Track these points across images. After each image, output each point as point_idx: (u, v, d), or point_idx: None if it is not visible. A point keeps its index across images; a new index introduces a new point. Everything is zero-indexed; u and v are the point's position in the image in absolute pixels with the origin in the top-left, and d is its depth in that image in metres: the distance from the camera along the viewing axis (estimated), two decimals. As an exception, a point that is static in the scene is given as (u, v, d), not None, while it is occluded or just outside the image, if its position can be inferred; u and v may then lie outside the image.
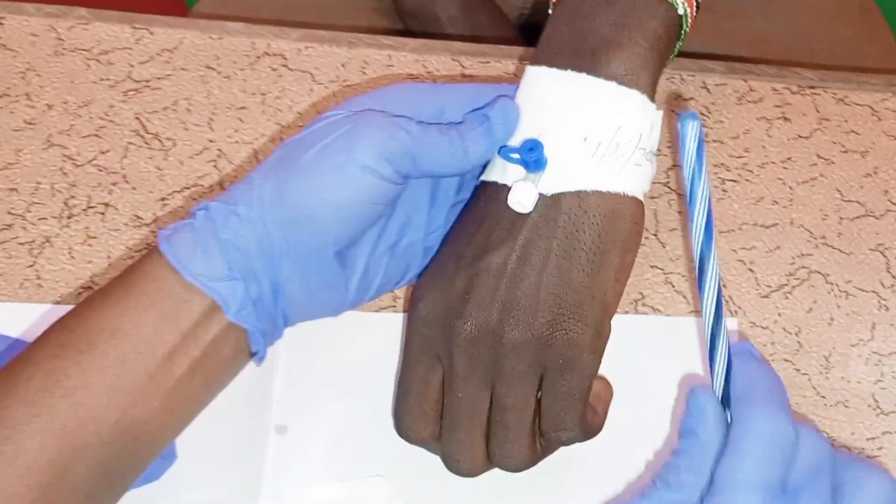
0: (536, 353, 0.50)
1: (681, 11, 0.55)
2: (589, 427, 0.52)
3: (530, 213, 0.52)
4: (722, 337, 0.45)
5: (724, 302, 0.45)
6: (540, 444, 0.52)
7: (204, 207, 0.51)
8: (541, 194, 0.52)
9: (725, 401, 0.45)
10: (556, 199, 0.52)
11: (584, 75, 0.53)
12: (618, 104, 0.53)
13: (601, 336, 0.52)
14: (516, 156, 0.52)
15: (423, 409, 0.52)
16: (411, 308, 0.53)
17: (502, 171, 0.53)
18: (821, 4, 0.86)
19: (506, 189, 0.53)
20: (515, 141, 0.53)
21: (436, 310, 0.52)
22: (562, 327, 0.50)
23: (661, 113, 0.55)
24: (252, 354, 0.52)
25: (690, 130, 0.43)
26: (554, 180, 0.52)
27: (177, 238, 0.50)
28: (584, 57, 0.54)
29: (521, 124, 0.54)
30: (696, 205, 0.44)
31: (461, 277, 0.52)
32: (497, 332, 0.51)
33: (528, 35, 0.97)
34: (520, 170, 0.53)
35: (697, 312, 0.59)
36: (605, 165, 0.52)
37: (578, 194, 0.52)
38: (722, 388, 0.45)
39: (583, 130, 0.52)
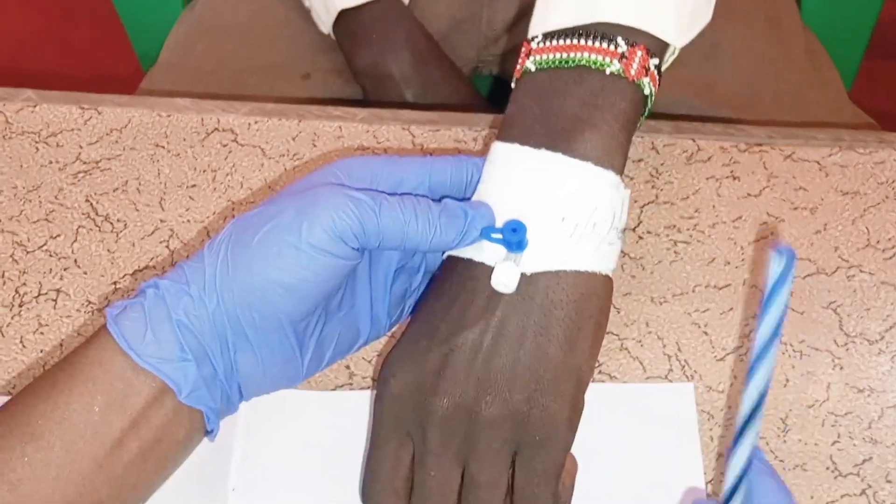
0: (513, 430, 0.50)
1: (647, 91, 0.56)
2: (559, 501, 0.52)
3: None
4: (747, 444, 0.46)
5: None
6: None
7: (153, 285, 0.50)
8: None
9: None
10: (534, 277, 0.52)
11: (559, 155, 0.54)
12: (595, 185, 0.54)
13: (576, 411, 0.52)
14: (498, 235, 0.53)
15: (393, 486, 0.52)
16: (381, 385, 0.53)
17: (478, 249, 0.53)
18: (768, 51, 0.87)
19: (482, 266, 0.53)
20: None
21: (408, 387, 0.52)
22: (539, 403, 0.50)
23: (628, 192, 0.56)
24: (208, 432, 0.52)
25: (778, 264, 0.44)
26: (533, 260, 0.52)
27: (125, 318, 0.50)
28: (559, 137, 0.54)
29: (495, 202, 0.54)
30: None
31: (435, 354, 0.52)
32: (473, 409, 0.50)
33: (492, 91, 0.97)
34: (499, 249, 0.53)
35: (653, 379, 0.59)
36: (581, 245, 0.53)
37: (557, 273, 0.52)
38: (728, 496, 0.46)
39: (561, 211, 0.53)
